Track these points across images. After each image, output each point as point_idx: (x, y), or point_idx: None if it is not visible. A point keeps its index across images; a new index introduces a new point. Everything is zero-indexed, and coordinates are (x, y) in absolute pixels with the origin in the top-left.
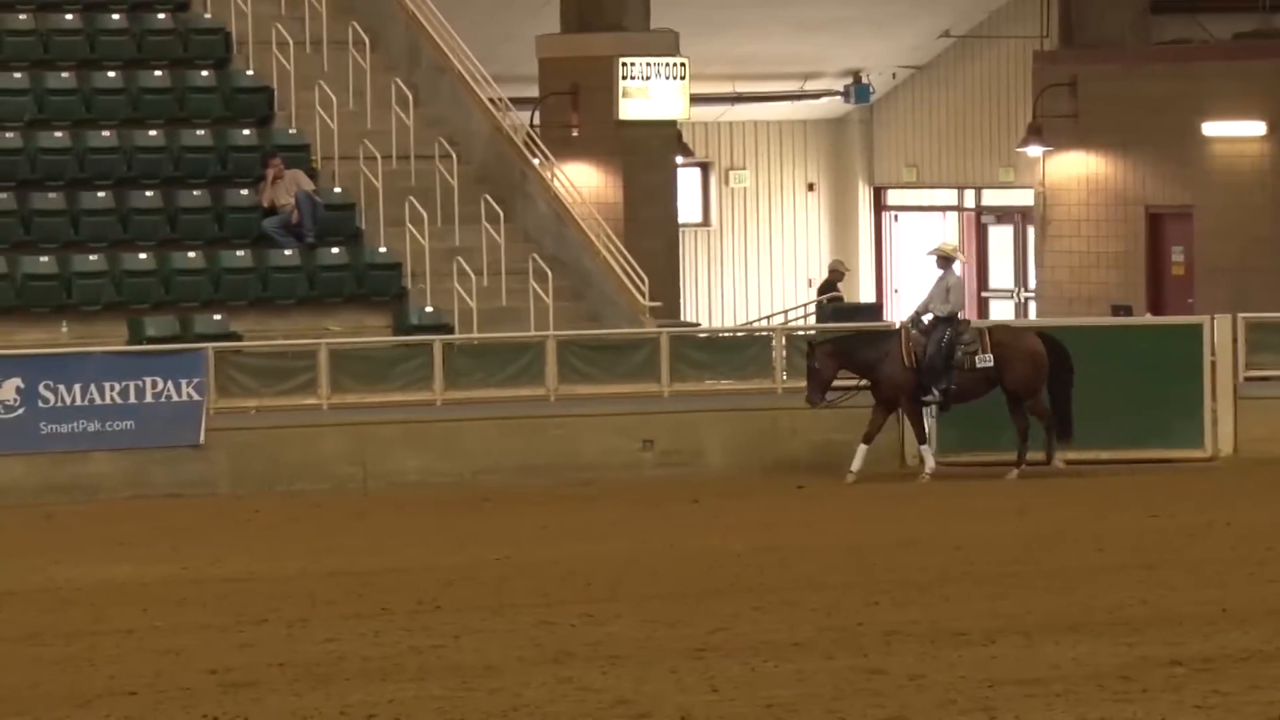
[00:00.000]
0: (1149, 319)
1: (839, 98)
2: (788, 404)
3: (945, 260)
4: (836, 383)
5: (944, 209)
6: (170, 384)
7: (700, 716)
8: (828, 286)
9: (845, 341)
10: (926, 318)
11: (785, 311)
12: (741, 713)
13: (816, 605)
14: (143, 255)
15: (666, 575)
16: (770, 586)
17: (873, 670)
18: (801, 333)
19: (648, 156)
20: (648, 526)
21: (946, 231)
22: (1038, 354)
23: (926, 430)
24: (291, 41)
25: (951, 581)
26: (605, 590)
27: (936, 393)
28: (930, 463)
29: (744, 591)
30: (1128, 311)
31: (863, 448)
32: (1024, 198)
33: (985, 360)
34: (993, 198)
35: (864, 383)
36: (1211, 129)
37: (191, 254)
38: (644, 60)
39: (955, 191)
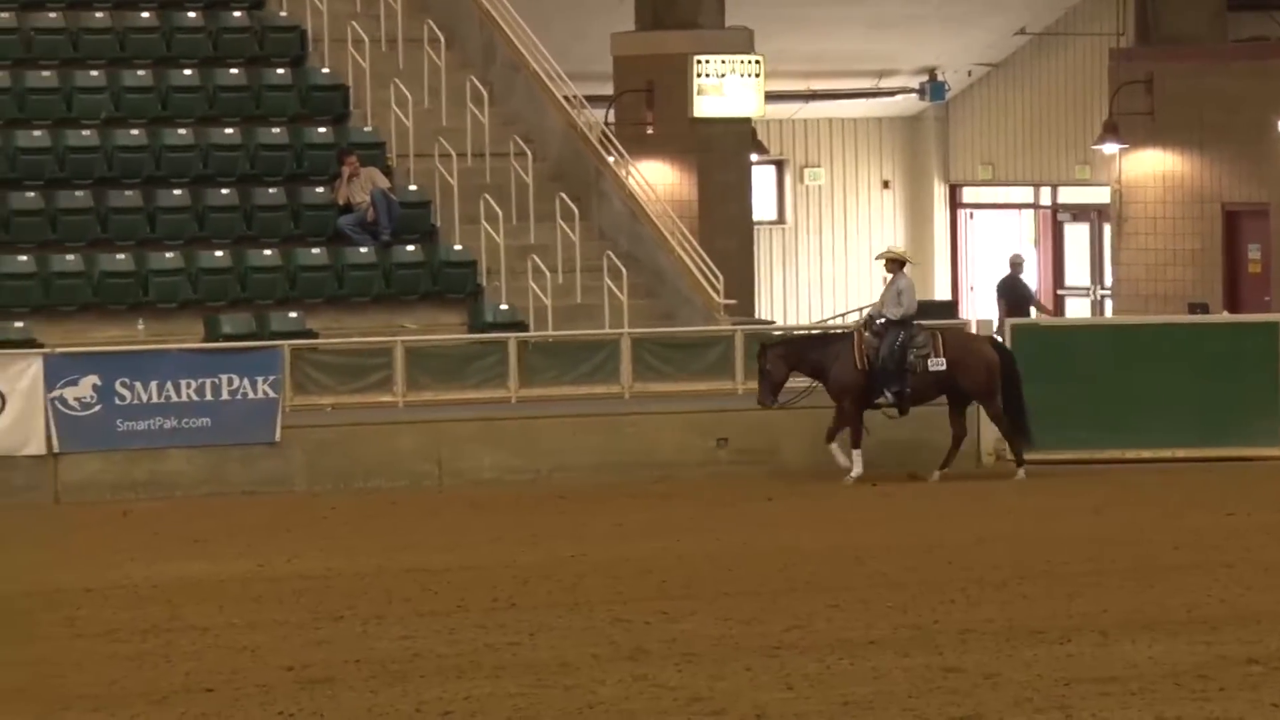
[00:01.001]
0: (1225, 317)
1: (914, 95)
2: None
3: (896, 264)
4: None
5: (1019, 206)
6: (246, 381)
7: (775, 714)
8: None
9: (796, 343)
10: (880, 321)
11: (861, 309)
12: (817, 710)
13: (892, 603)
14: (219, 253)
15: (741, 573)
16: (845, 585)
17: (948, 668)
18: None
19: (722, 154)
20: (722, 524)
21: (1023, 229)
22: (990, 360)
23: (863, 435)
24: (367, 39)
25: (1027, 579)
26: (680, 588)
27: (890, 395)
28: (857, 467)
29: (819, 589)
30: (1204, 309)
31: (856, 453)
32: (1100, 195)
33: (938, 364)
34: (1069, 195)
35: (815, 384)
36: None
37: (267, 252)
38: (719, 58)
39: (1031, 189)
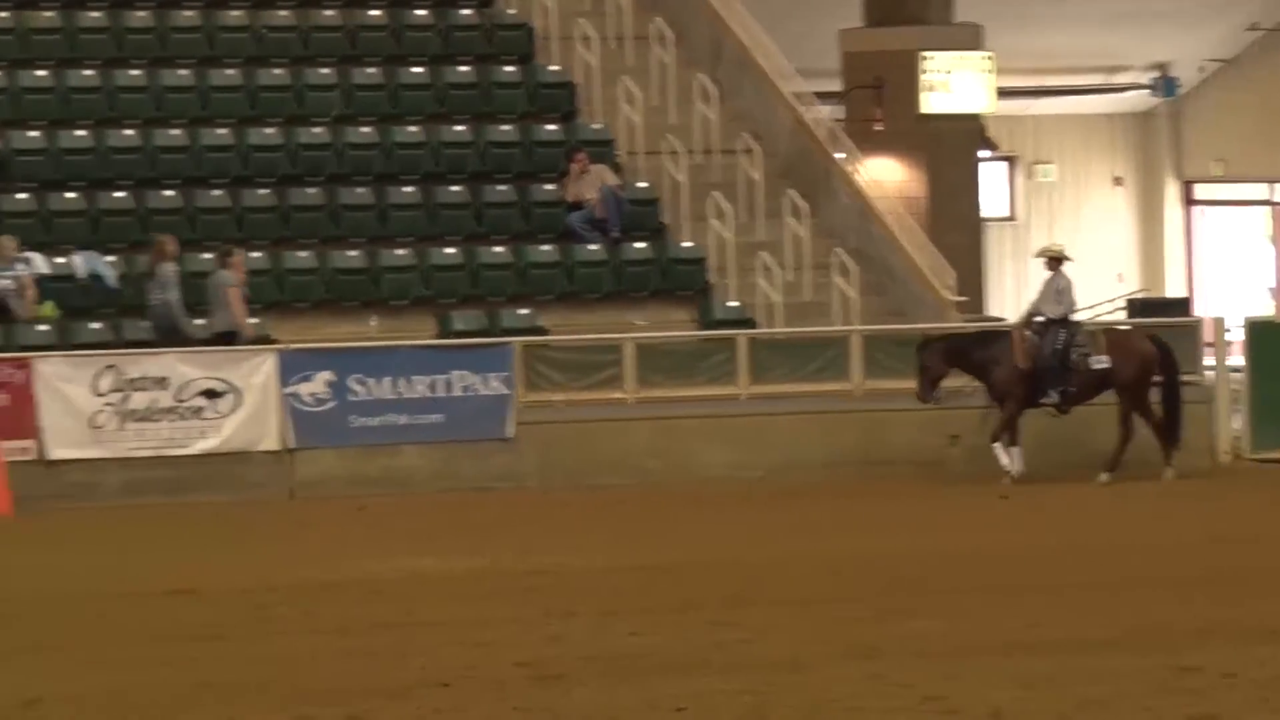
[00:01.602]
0: None
1: (1146, 91)
2: (1097, 399)
3: (1055, 261)
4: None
5: (1254, 203)
6: (478, 378)
7: (1011, 713)
8: None
9: (958, 341)
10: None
11: (1092, 306)
12: (1052, 710)
13: (1127, 602)
14: (450, 250)
15: (974, 571)
16: (1079, 582)
17: (1185, 668)
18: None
19: (952, 150)
20: (955, 522)
21: (1257, 226)
22: (1150, 356)
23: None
24: (595, 36)
25: (1264, 577)
26: (912, 586)
27: (1055, 394)
28: (1017, 465)
29: (1053, 587)
30: None
31: (1015, 450)
32: None
33: (1101, 362)
34: None
35: (975, 383)
36: None
37: (498, 249)
38: (948, 54)
39: (1266, 185)
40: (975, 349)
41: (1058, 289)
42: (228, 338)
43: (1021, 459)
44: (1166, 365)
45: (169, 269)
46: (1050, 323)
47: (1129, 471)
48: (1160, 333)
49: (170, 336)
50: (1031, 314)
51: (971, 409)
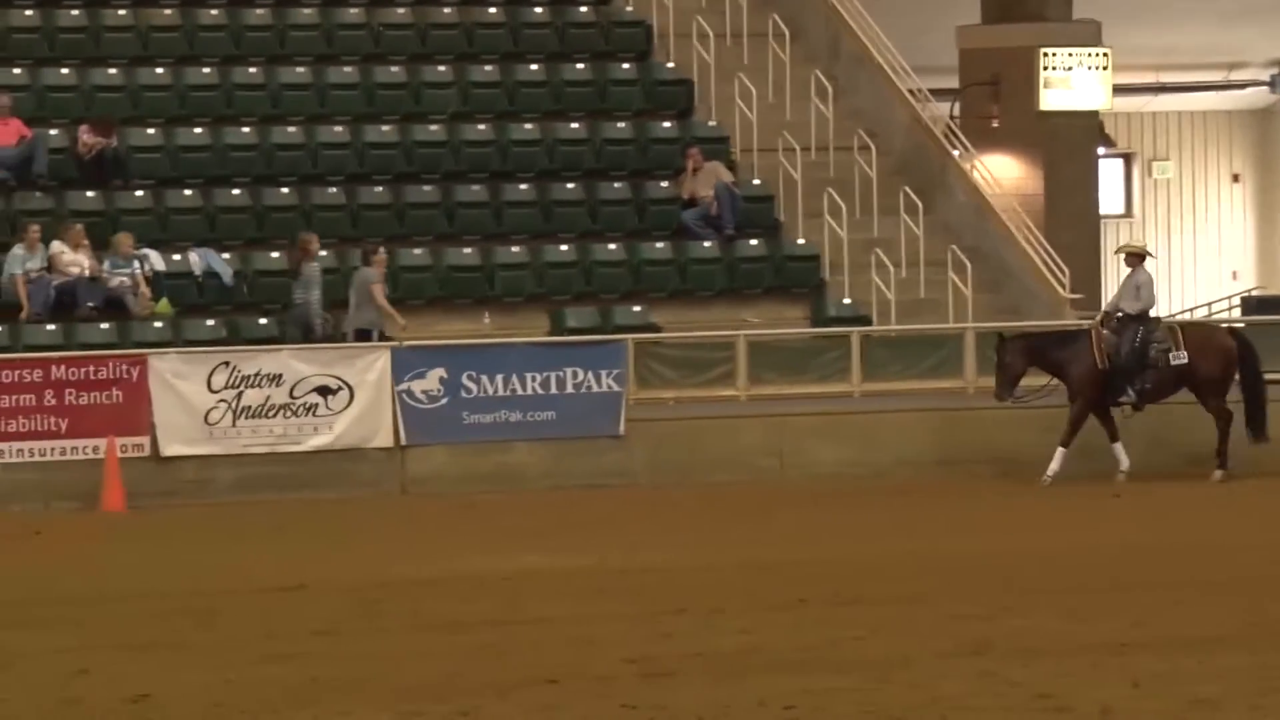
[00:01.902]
0: None
1: (1265, 88)
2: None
3: (1136, 258)
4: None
5: None
6: (590, 375)
7: (1121, 711)
8: None
9: (1038, 339)
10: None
11: (1209, 304)
12: (1163, 708)
13: (1238, 600)
14: (564, 247)
15: (1085, 569)
16: (1190, 580)
17: None
18: (1226, 325)
19: (1069, 147)
20: (1066, 520)
21: None
22: (1229, 350)
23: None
24: (712, 34)
25: None
26: (1023, 583)
27: (1131, 392)
28: (1124, 461)
29: (1164, 585)
30: None
31: (1061, 451)
32: None
33: (1180, 358)
34: None
35: (1054, 381)
36: None
37: (612, 246)
38: (1066, 50)
39: None
40: (1054, 347)
41: (1137, 285)
42: (367, 335)
43: (1063, 460)
44: (1246, 360)
45: (313, 268)
46: (1128, 319)
47: (1238, 469)
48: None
49: (308, 335)
50: (1111, 311)
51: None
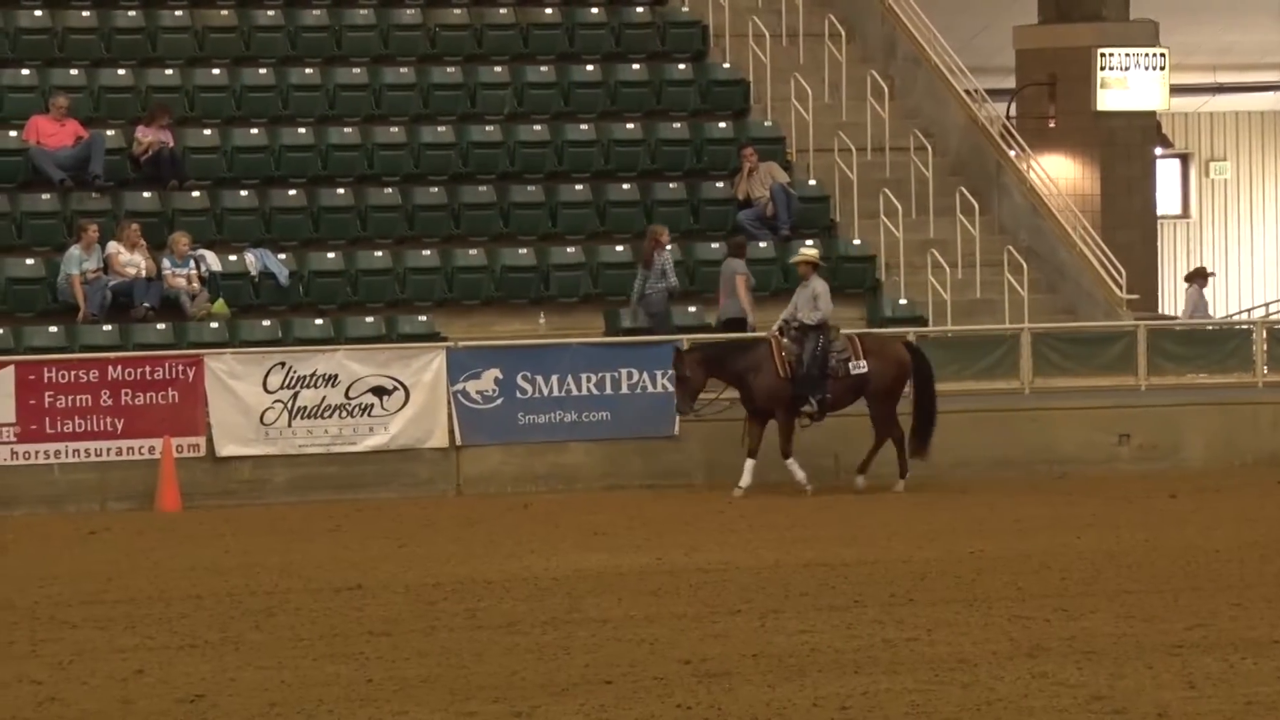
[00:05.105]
0: None
1: None
2: (1270, 398)
3: (810, 267)
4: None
5: None
6: (645, 375)
7: (1178, 714)
8: None
9: (716, 349)
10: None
11: (1266, 304)
12: (1220, 710)
13: None
14: (619, 248)
15: (1143, 570)
16: (1250, 583)
17: None
18: None
19: (1126, 148)
20: (1124, 521)
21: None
22: (905, 362)
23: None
24: (768, 34)
25: None
26: (1080, 584)
27: (813, 403)
28: (799, 475)
29: (1223, 588)
30: None
31: (750, 462)
32: None
33: (860, 367)
34: None
35: (732, 392)
36: None
37: (669, 246)
38: (1123, 50)
39: None
40: (733, 357)
41: (814, 294)
42: (735, 325)
43: (752, 473)
44: (920, 371)
45: (664, 258)
46: (807, 329)
47: None
48: None
49: (664, 323)
50: (788, 320)
51: (1142, 407)
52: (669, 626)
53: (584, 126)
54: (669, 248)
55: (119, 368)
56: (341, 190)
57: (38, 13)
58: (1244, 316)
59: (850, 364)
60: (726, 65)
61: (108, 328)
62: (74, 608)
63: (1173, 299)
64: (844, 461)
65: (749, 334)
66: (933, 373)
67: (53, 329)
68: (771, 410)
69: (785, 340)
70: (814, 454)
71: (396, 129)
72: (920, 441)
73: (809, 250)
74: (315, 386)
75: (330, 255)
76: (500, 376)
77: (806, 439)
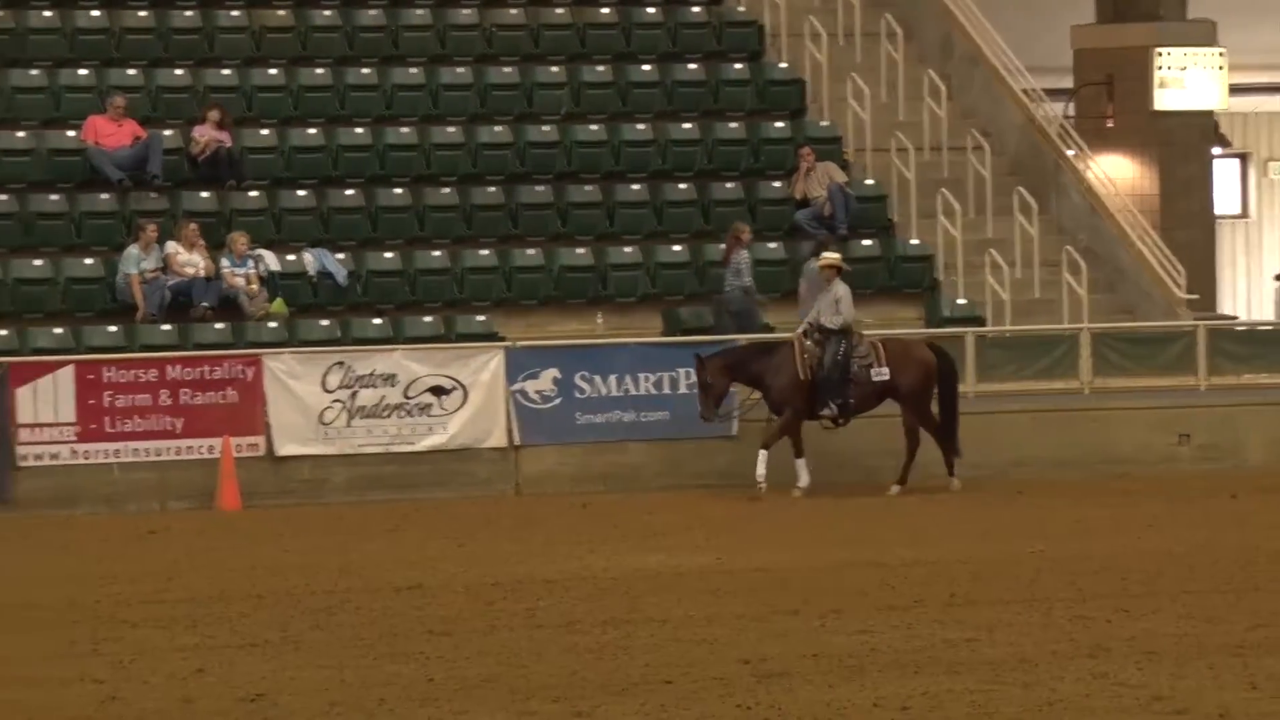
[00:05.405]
0: None
1: None
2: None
3: (833, 270)
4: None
5: None
6: None
7: (1240, 714)
8: None
9: (736, 354)
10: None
11: None
12: None
13: None
14: (677, 247)
15: (1204, 570)
16: None
17: None
18: None
19: (1184, 147)
20: (1184, 521)
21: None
22: (928, 363)
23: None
24: (825, 33)
25: None
26: (1141, 585)
27: (834, 407)
28: (804, 478)
29: None
30: None
31: (800, 461)
32: None
33: (881, 373)
34: None
35: (756, 395)
36: None
37: (723, 246)
38: (1181, 50)
39: None
40: (754, 361)
41: (836, 298)
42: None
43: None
44: (945, 375)
45: (744, 255)
46: (829, 333)
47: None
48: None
49: (745, 322)
50: (812, 324)
51: (1201, 407)
52: (728, 626)
53: (641, 126)
54: (745, 249)
55: (178, 367)
56: (399, 190)
57: (95, 13)
58: None
59: (872, 370)
60: (783, 65)
61: (166, 327)
62: (134, 607)
63: (1231, 298)
64: (895, 460)
65: (772, 336)
66: (956, 373)
67: (112, 329)
68: (787, 411)
69: (808, 343)
70: (874, 454)
71: (454, 129)
72: (952, 446)
73: (831, 255)
74: (374, 386)
75: (388, 255)
76: (558, 376)
77: (853, 440)
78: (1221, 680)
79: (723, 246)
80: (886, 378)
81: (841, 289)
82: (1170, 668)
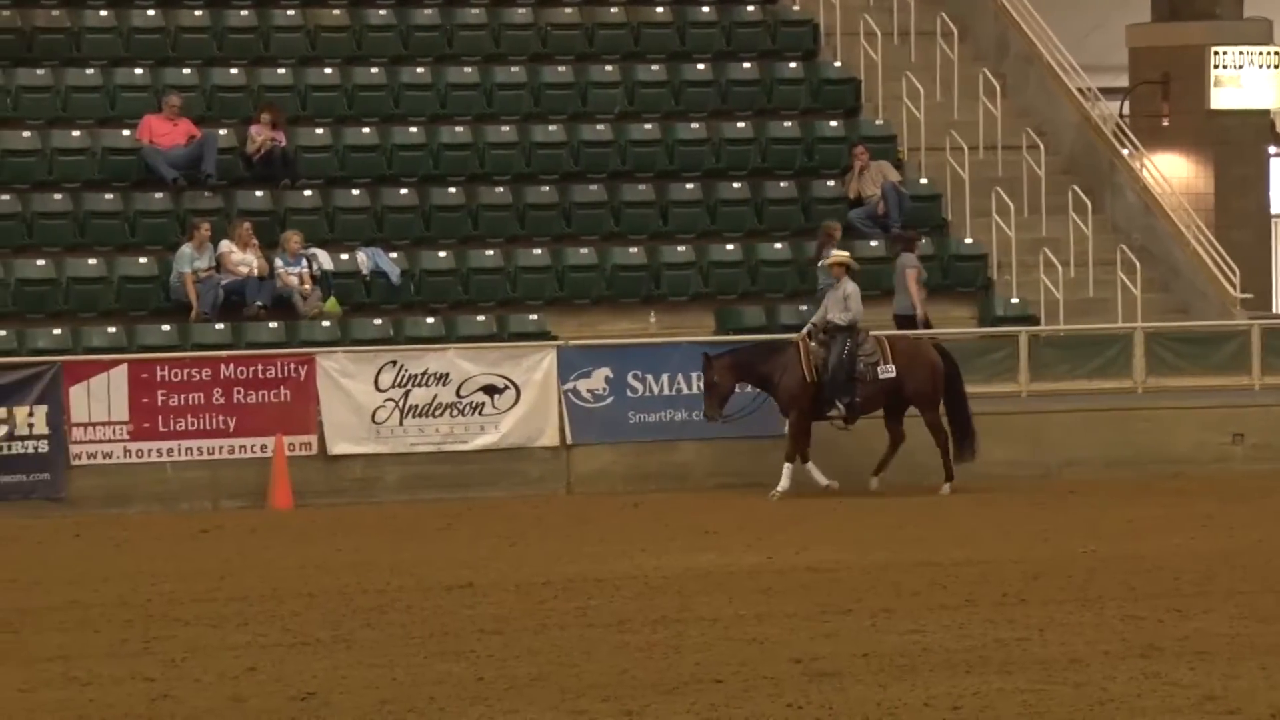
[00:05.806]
0: None
1: None
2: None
3: (842, 269)
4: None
5: None
6: None
7: None
8: None
9: (743, 354)
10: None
11: None
12: None
13: None
14: (730, 246)
15: (1258, 570)
16: None
17: None
18: None
19: (1239, 146)
20: (1238, 521)
21: None
22: (936, 365)
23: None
24: (879, 32)
25: None
26: (1194, 585)
27: (841, 406)
28: (785, 483)
29: None
30: None
31: (788, 467)
32: None
33: (888, 371)
34: None
35: (762, 395)
36: None
37: (778, 245)
38: (1236, 49)
39: None
40: (761, 361)
41: (844, 295)
42: (906, 321)
43: (790, 477)
44: (950, 377)
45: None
46: (836, 331)
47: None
48: None
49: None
50: (817, 324)
51: (1256, 406)
52: (779, 625)
53: (695, 125)
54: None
55: (231, 366)
56: (453, 189)
57: (150, 12)
58: None
59: (879, 367)
60: (837, 64)
61: (220, 326)
62: (186, 605)
63: None
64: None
65: (777, 337)
66: (961, 376)
67: (165, 328)
68: (801, 409)
69: (813, 344)
70: (925, 453)
71: (508, 128)
72: (962, 447)
73: (840, 253)
74: (426, 385)
75: (441, 254)
76: (611, 375)
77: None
78: (1274, 680)
79: (814, 243)
80: (893, 375)
81: (850, 286)
82: (1223, 668)
